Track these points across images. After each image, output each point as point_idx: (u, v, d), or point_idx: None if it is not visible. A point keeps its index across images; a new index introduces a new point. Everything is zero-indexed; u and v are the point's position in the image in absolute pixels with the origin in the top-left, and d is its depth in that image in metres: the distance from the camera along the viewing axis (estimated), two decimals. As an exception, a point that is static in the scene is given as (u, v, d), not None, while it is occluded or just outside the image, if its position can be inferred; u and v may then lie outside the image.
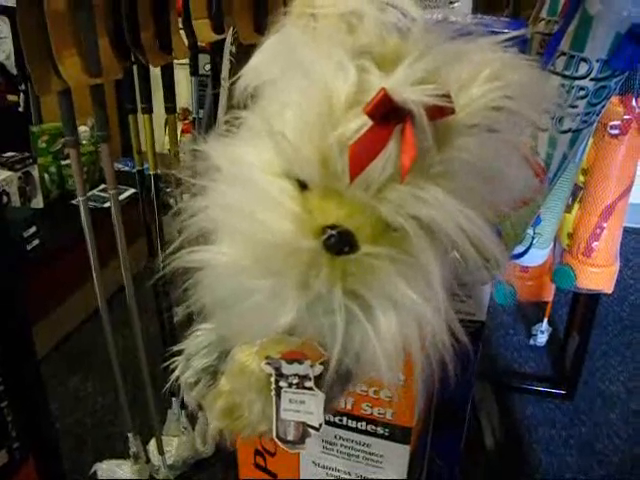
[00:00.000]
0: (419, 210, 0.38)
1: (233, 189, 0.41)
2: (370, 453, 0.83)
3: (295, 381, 0.56)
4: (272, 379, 0.56)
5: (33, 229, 1.82)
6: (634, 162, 1.27)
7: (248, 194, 0.40)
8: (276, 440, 0.59)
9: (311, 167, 0.38)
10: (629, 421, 1.65)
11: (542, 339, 1.90)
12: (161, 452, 1.23)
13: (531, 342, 1.92)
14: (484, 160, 0.40)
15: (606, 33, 0.66)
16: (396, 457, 0.82)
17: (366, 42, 0.41)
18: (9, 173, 1.89)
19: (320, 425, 0.59)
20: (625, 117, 1.22)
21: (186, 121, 2.46)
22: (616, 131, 1.23)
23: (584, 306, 1.64)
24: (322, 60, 0.39)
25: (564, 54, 0.69)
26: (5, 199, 1.85)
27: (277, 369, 0.55)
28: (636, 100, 1.22)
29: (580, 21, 0.67)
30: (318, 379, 0.57)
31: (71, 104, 0.82)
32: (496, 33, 0.83)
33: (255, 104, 0.45)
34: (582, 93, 0.69)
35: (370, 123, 0.36)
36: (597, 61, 0.67)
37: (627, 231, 2.36)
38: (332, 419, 0.82)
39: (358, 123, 0.36)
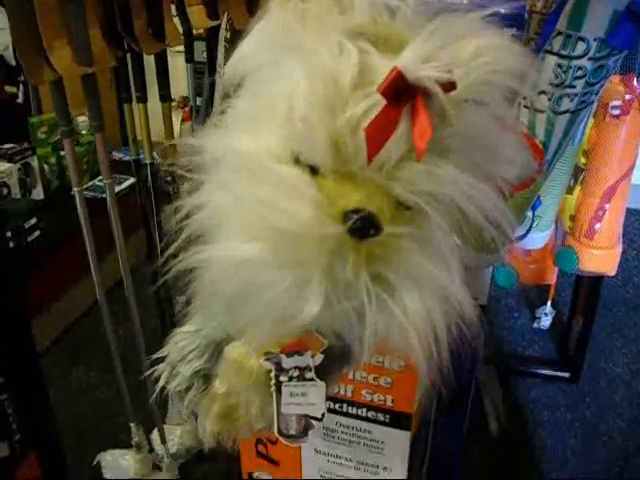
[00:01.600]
0: (433, 186, 0.38)
1: (239, 181, 0.40)
2: (371, 439, 0.83)
3: (296, 374, 0.55)
4: (272, 375, 0.54)
5: (34, 220, 1.82)
6: (636, 142, 1.25)
7: (259, 184, 0.39)
8: (278, 436, 0.57)
9: (323, 151, 0.38)
10: (633, 403, 1.65)
11: (546, 322, 1.89)
12: (163, 441, 1.23)
13: (535, 325, 1.92)
14: (482, 134, 0.40)
15: (603, 11, 0.64)
16: (397, 443, 0.82)
17: (359, 23, 0.40)
18: (9, 165, 1.89)
19: (323, 415, 0.59)
20: (626, 97, 1.20)
21: (186, 108, 2.45)
22: (617, 111, 1.22)
23: (587, 288, 1.63)
24: (322, 42, 0.39)
25: (561, 33, 0.68)
26: (5, 191, 1.85)
27: (277, 364, 0.54)
28: (637, 79, 1.20)
29: (577, -1, 0.66)
30: (318, 368, 0.57)
31: (64, 94, 0.81)
32: (491, 14, 0.81)
33: (248, 91, 0.44)
34: (580, 73, 0.68)
35: (380, 103, 0.36)
36: (595, 40, 0.66)
37: (632, 212, 2.36)
38: (333, 406, 0.82)
39: (368, 104, 0.36)
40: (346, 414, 0.82)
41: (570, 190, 1.32)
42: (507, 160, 0.44)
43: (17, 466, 0.87)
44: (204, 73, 1.20)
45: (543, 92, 0.71)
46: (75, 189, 0.88)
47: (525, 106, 0.73)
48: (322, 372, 0.56)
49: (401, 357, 0.75)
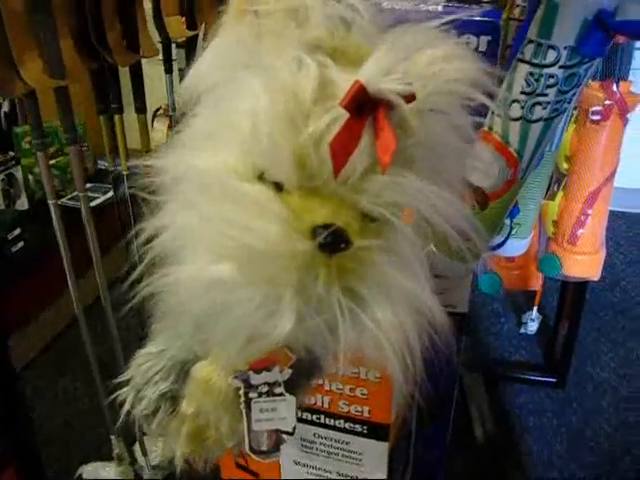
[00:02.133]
0: (398, 197, 0.39)
1: (202, 201, 0.39)
2: (349, 451, 0.83)
3: (265, 389, 0.55)
4: (241, 392, 0.54)
5: (17, 231, 1.81)
6: (617, 148, 1.25)
7: (223, 203, 0.38)
8: (249, 453, 0.57)
9: (288, 167, 0.37)
10: (620, 408, 1.64)
11: (532, 327, 1.89)
12: (144, 453, 1.22)
13: (522, 330, 1.92)
14: (443, 142, 0.41)
15: (573, 19, 0.65)
16: (375, 454, 0.82)
17: (316, 36, 0.40)
18: (-8, 175, 1.88)
19: (294, 429, 0.58)
20: (606, 102, 1.21)
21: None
22: (597, 117, 1.22)
23: (573, 293, 1.63)
24: (280, 57, 0.39)
25: (532, 42, 0.68)
26: (-12, 202, 1.84)
27: (245, 381, 0.54)
28: (617, 85, 1.20)
29: (546, 8, 0.66)
30: (287, 383, 0.56)
31: (37, 106, 0.80)
32: (468, 22, 0.82)
33: (205, 108, 0.44)
34: (552, 81, 0.68)
35: (342, 117, 0.36)
36: (565, 48, 0.66)
37: (618, 216, 2.38)
38: (310, 417, 0.82)
39: (330, 118, 0.36)
40: (324, 425, 0.81)
41: (552, 196, 1.32)
42: (470, 167, 0.44)
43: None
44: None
45: (516, 100, 0.71)
46: (50, 201, 0.87)
47: (498, 115, 0.73)
48: (291, 386, 0.56)
49: (376, 368, 0.74)
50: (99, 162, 2.42)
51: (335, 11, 0.40)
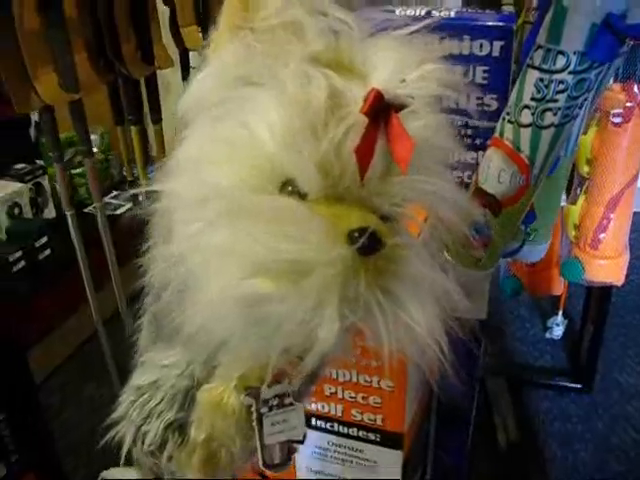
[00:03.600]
0: (415, 196, 0.41)
1: (229, 219, 0.39)
2: (363, 459, 0.83)
3: (275, 402, 0.54)
4: (253, 409, 0.53)
5: (44, 239, 1.84)
6: (639, 150, 1.23)
7: (252, 219, 0.38)
8: (264, 469, 0.56)
9: (314, 176, 0.38)
10: (647, 414, 1.62)
11: (558, 332, 1.87)
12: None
13: (547, 335, 1.89)
14: (433, 142, 0.43)
15: (581, 24, 0.64)
16: (389, 462, 0.82)
17: (314, 49, 0.41)
18: (20, 185, 1.91)
19: (304, 437, 0.58)
20: (627, 104, 1.19)
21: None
22: (619, 119, 1.20)
23: (598, 297, 1.60)
24: (285, 72, 0.40)
25: (541, 47, 0.67)
26: (17, 211, 1.87)
27: (257, 397, 0.53)
28: (638, 86, 1.19)
29: (555, 13, 0.66)
30: (296, 392, 0.56)
31: (54, 120, 0.82)
32: (480, 27, 0.82)
33: (203, 129, 0.44)
34: (562, 87, 0.67)
35: (357, 123, 0.38)
36: (574, 53, 0.65)
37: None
38: (324, 425, 0.82)
39: (346, 125, 0.38)
40: (337, 433, 0.81)
41: (574, 200, 1.31)
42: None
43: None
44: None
45: (526, 107, 0.70)
46: (67, 213, 0.88)
47: (509, 121, 0.73)
48: (297, 394, 0.56)
49: (390, 377, 0.74)
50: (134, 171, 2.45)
51: (325, 24, 0.41)
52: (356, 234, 0.37)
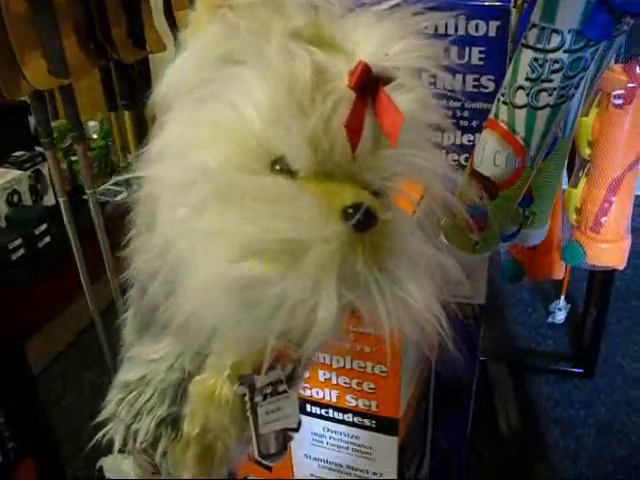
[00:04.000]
0: (405, 170, 0.41)
1: (219, 201, 0.38)
2: (359, 445, 0.83)
3: (269, 390, 0.53)
4: (247, 398, 0.51)
5: (44, 227, 1.84)
6: (641, 132, 1.22)
7: (243, 200, 0.37)
8: (260, 459, 0.55)
9: (304, 152, 0.37)
10: (650, 398, 1.61)
11: (560, 316, 1.86)
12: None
13: (549, 320, 1.88)
14: (420, 116, 0.43)
15: (576, 1, 0.62)
16: (385, 448, 0.81)
17: (295, 25, 0.41)
18: (19, 172, 1.91)
19: (299, 424, 0.57)
20: (629, 85, 1.17)
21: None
22: (620, 101, 1.19)
23: (601, 281, 1.59)
24: (267, 49, 0.39)
25: (535, 26, 0.66)
26: (16, 198, 1.87)
27: (251, 386, 0.52)
28: (640, 67, 1.17)
29: (549, -10, 0.64)
30: (289, 379, 0.55)
31: (44, 106, 0.81)
32: (476, 7, 0.81)
33: (185, 112, 0.43)
34: (557, 66, 0.66)
35: (344, 98, 0.37)
36: (569, 32, 0.64)
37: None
38: (319, 411, 0.82)
39: (333, 100, 0.37)
40: (333, 419, 0.81)
41: (575, 183, 1.29)
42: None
43: (11, 472, 0.87)
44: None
45: (521, 87, 0.69)
46: (61, 199, 0.87)
47: (504, 102, 0.72)
48: (290, 381, 0.55)
49: (382, 362, 0.74)
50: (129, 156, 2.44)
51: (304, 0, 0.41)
52: (350, 210, 0.36)
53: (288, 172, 0.38)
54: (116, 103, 0.97)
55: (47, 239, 1.84)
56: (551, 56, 0.65)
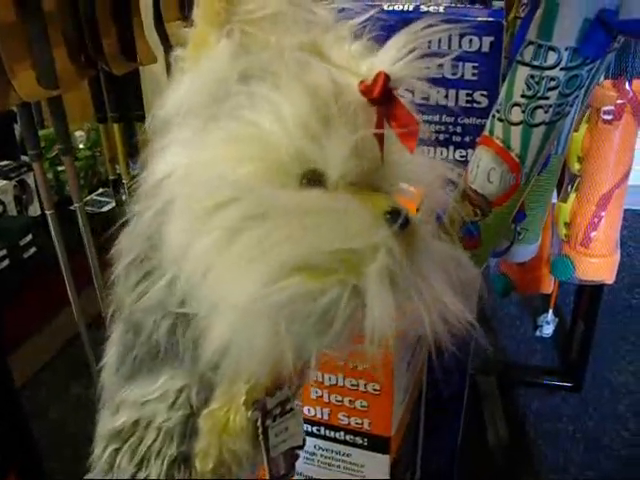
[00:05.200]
0: (413, 174, 0.43)
1: (249, 223, 0.36)
2: (350, 463, 0.82)
3: (278, 411, 0.51)
4: (259, 423, 0.49)
5: (29, 237, 1.81)
6: (630, 148, 1.22)
7: (280, 217, 0.36)
8: None
9: (336, 163, 0.38)
10: (638, 413, 1.61)
11: (548, 330, 1.86)
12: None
13: (537, 333, 1.89)
14: None
15: (573, 20, 0.63)
16: (376, 467, 0.80)
17: (300, 40, 0.41)
18: (4, 182, 1.88)
19: (304, 441, 0.56)
20: (618, 101, 1.18)
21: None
22: (610, 116, 1.19)
23: (589, 295, 1.60)
24: (286, 63, 0.39)
25: (532, 43, 0.66)
26: (1, 208, 1.85)
27: (263, 409, 0.49)
28: (629, 83, 1.18)
29: (546, 8, 0.64)
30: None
31: (31, 117, 0.80)
32: (470, 21, 0.81)
33: (192, 130, 0.41)
34: (553, 84, 0.66)
35: (364, 107, 0.38)
36: (566, 49, 0.64)
37: (638, 214, 2.32)
38: (311, 429, 0.81)
39: (353, 110, 0.38)
40: (324, 437, 0.80)
41: (565, 198, 1.30)
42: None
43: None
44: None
45: (517, 104, 0.69)
46: (48, 212, 0.86)
47: (499, 119, 0.71)
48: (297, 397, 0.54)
49: (375, 380, 0.73)
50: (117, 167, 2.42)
51: (301, 15, 0.41)
52: (390, 215, 0.37)
53: (317, 184, 0.38)
54: (105, 115, 0.96)
55: (32, 250, 1.82)
56: (548, 73, 0.65)
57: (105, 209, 2.07)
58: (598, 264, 1.28)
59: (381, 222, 0.37)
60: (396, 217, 0.37)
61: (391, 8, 0.85)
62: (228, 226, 0.36)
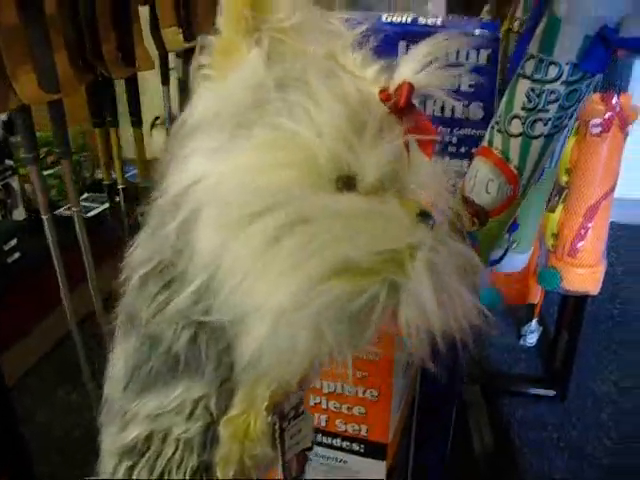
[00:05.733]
0: (426, 178, 0.44)
1: (295, 227, 0.37)
2: (347, 469, 0.82)
3: (292, 414, 0.52)
4: (276, 427, 0.49)
5: (14, 242, 1.80)
6: (617, 160, 1.25)
7: (323, 221, 0.37)
8: None
9: (371, 168, 0.39)
10: (621, 421, 1.63)
11: (532, 339, 1.88)
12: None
13: (521, 342, 1.90)
14: None
15: (575, 35, 0.64)
16: (373, 473, 0.81)
17: (326, 51, 0.43)
18: (-12, 186, 1.87)
19: (313, 442, 0.57)
20: (607, 115, 1.20)
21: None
22: (598, 129, 1.21)
23: (573, 305, 1.62)
24: (318, 71, 0.40)
25: (533, 57, 0.67)
26: (-16, 212, 1.83)
27: (280, 412, 0.50)
28: (617, 97, 1.20)
29: (548, 23, 0.65)
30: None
31: (30, 120, 0.79)
32: (466, 34, 0.82)
33: (227, 134, 0.41)
34: (553, 97, 0.67)
35: (385, 115, 0.40)
36: (567, 64, 0.65)
37: (620, 227, 2.36)
38: (308, 436, 0.81)
39: (380, 117, 0.40)
40: (321, 444, 0.80)
41: (552, 208, 1.31)
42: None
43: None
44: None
45: (517, 116, 0.70)
46: (44, 216, 0.86)
47: (499, 130, 0.72)
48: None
49: (373, 387, 0.74)
50: (98, 172, 2.40)
51: (322, 25, 0.43)
52: (421, 217, 0.40)
53: (350, 188, 0.39)
54: (102, 120, 0.96)
55: (17, 254, 1.80)
56: (548, 87, 0.66)
57: (90, 214, 2.05)
58: (585, 275, 1.30)
59: (417, 222, 0.39)
60: (427, 218, 0.39)
61: (390, 20, 0.86)
62: (267, 233, 0.37)
